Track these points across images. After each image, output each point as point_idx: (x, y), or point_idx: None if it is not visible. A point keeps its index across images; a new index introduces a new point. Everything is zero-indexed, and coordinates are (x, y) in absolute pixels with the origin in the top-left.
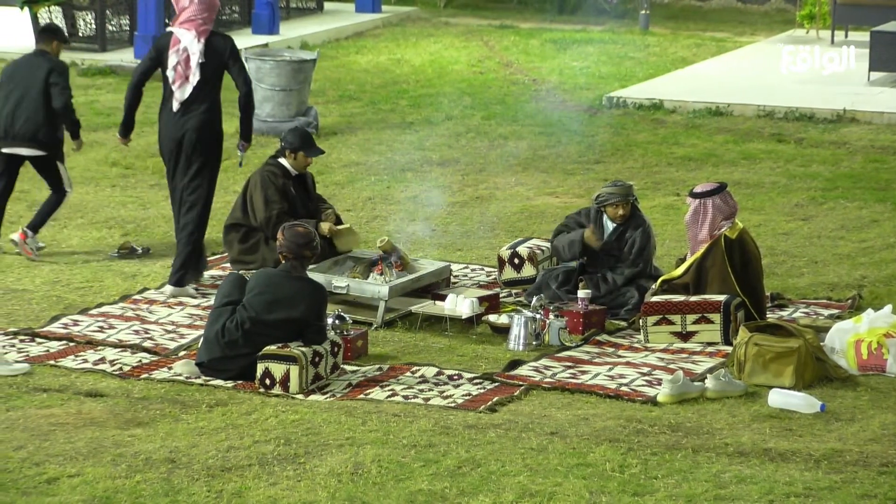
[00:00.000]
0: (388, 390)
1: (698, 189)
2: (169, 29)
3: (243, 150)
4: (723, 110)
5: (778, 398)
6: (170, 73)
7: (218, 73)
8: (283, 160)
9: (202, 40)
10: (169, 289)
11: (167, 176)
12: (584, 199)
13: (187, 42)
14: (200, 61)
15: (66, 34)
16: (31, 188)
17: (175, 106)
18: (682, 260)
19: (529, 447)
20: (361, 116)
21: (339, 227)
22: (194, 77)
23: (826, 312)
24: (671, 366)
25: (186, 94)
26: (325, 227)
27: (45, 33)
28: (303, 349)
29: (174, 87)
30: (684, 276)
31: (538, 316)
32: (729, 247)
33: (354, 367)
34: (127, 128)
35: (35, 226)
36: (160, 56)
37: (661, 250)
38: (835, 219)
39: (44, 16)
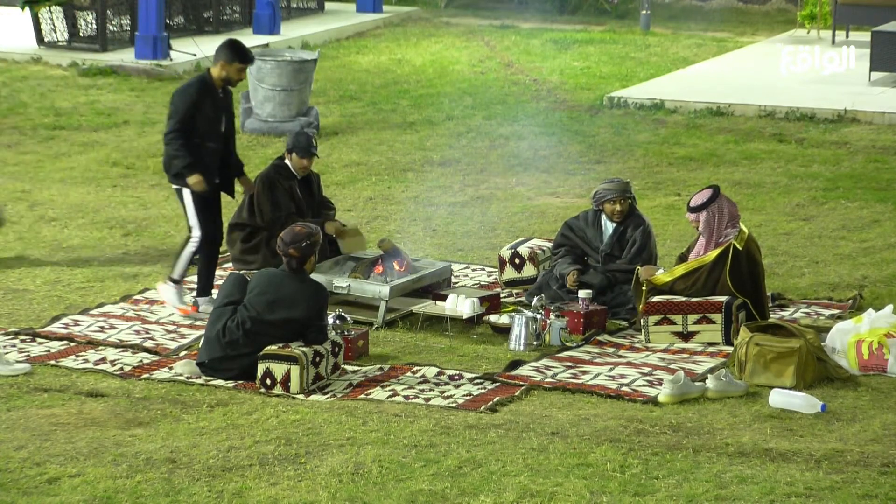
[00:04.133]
0: (389, 390)
1: (693, 203)
2: None
3: None
4: (724, 110)
5: (779, 398)
6: None
7: None
8: (287, 161)
9: None
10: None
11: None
12: (584, 199)
13: None
14: None
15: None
16: (31, 188)
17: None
18: (683, 258)
19: (530, 447)
20: (362, 116)
21: (346, 227)
22: None
23: (827, 312)
24: (672, 366)
25: None
26: (330, 227)
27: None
28: (304, 349)
29: None
30: (685, 281)
31: (539, 316)
32: (736, 258)
33: (355, 367)
34: None
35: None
36: None
37: (661, 250)
38: (836, 219)
39: (45, 16)
